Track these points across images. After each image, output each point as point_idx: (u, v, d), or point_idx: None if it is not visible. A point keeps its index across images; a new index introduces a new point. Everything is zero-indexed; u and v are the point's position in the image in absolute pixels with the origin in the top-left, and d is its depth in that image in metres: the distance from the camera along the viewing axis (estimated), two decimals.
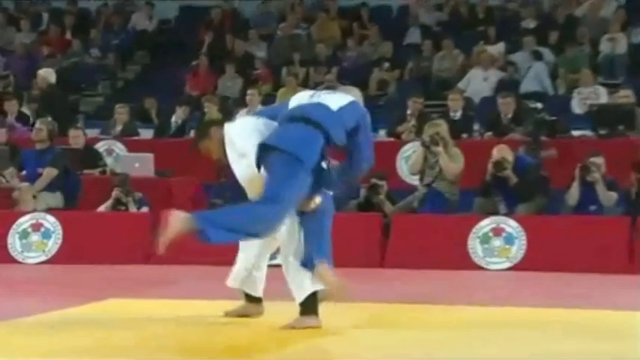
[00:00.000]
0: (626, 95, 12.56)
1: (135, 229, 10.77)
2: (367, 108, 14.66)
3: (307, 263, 5.93)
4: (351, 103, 6.08)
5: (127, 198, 11.10)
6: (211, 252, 10.32)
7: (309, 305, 5.96)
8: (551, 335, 5.95)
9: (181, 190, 11.79)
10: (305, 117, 5.89)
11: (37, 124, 11.86)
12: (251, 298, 6.28)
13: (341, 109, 5.98)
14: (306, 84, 15.52)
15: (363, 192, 10.90)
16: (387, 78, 15.81)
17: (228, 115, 13.95)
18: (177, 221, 5.65)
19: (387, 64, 15.94)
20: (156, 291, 8.35)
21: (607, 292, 8.47)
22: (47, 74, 14.70)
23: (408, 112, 12.96)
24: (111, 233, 10.73)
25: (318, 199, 5.97)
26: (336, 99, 6.09)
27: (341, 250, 10.23)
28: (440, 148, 10.68)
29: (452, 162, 10.74)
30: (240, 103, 14.36)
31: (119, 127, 13.82)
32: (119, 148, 13.08)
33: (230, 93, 15.72)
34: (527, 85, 14.81)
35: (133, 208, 11.11)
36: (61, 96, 14.65)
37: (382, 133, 13.27)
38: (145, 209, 11.17)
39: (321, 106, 5.98)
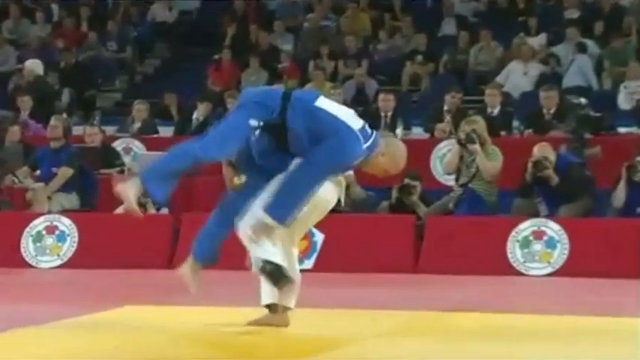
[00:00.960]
0: None
1: (154, 231, 10.84)
2: (400, 102, 14.68)
3: None
4: (339, 121, 5.92)
5: (145, 199, 11.16)
6: (236, 256, 10.42)
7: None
8: (593, 346, 5.94)
9: (204, 190, 11.84)
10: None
11: (52, 121, 11.94)
12: (276, 309, 6.30)
13: (324, 110, 5.94)
14: (334, 78, 15.55)
15: (394, 192, 10.90)
16: (421, 72, 15.80)
17: None
18: (127, 189, 6.03)
19: (420, 58, 15.93)
20: (177, 297, 8.38)
21: None
22: (34, 66, 14.86)
23: (445, 107, 12.94)
24: (129, 236, 10.79)
25: (242, 178, 6.07)
26: (340, 107, 6.07)
27: (372, 254, 10.32)
28: (477, 146, 10.66)
29: (489, 161, 10.73)
30: None
31: (137, 125, 13.90)
32: (137, 146, 13.15)
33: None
34: (570, 80, 14.75)
35: (152, 210, 11.17)
36: (50, 88, 14.76)
37: (416, 130, 13.27)
38: (164, 211, 11.23)
39: (314, 93, 6.11)
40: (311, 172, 5.88)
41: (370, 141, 5.96)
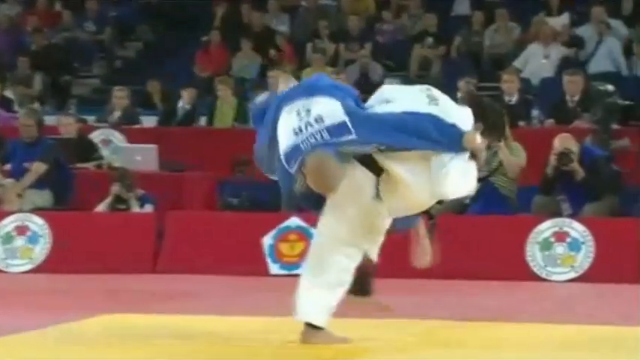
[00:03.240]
0: None
1: (136, 232, 10.85)
2: None
3: None
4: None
5: (128, 194, 11.18)
6: (229, 261, 10.44)
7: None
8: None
9: (192, 186, 11.85)
10: None
11: (23, 119, 11.88)
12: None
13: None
14: (335, 63, 15.56)
15: None
16: (431, 56, 15.80)
17: (245, 99, 14.03)
18: None
19: (430, 40, 15.93)
20: (163, 305, 8.40)
21: None
22: None
23: (459, 95, 12.94)
24: (108, 237, 10.80)
25: None
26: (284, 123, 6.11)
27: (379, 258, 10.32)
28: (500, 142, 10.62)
29: (513, 156, 10.68)
30: (259, 85, 14.39)
31: (117, 114, 13.91)
32: (117, 138, 13.16)
33: (247, 74, 15.77)
34: (596, 64, 14.76)
35: (135, 207, 11.19)
36: None
37: None
38: (148, 208, 11.25)
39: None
40: None
41: (300, 159, 5.98)
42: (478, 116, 6.14)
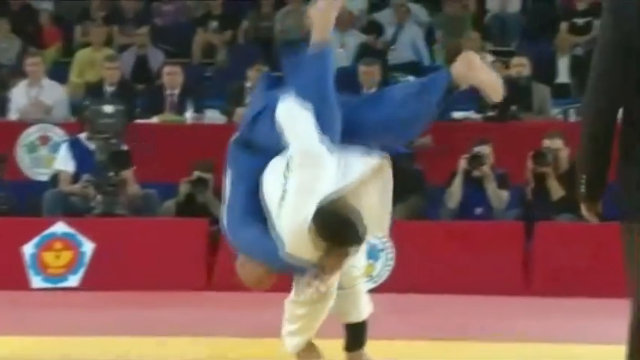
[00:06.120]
0: (520, 64, 12.87)
1: None
2: (190, 79, 14.47)
3: None
4: None
5: None
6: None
7: None
8: None
9: None
10: None
11: None
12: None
13: None
14: (108, 46, 15.36)
15: (185, 187, 10.83)
16: (216, 41, 15.80)
17: (2, 88, 13.68)
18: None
19: (214, 24, 15.92)
20: None
21: (501, 318, 8.66)
22: None
23: (248, 85, 12.93)
24: None
25: None
26: None
27: (154, 268, 10.23)
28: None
29: None
30: (18, 72, 14.07)
31: None
32: None
33: (4, 58, 15.43)
34: (396, 53, 15.02)
35: None
36: None
37: (210, 113, 13.20)
38: None
39: None
40: None
41: None
42: None
